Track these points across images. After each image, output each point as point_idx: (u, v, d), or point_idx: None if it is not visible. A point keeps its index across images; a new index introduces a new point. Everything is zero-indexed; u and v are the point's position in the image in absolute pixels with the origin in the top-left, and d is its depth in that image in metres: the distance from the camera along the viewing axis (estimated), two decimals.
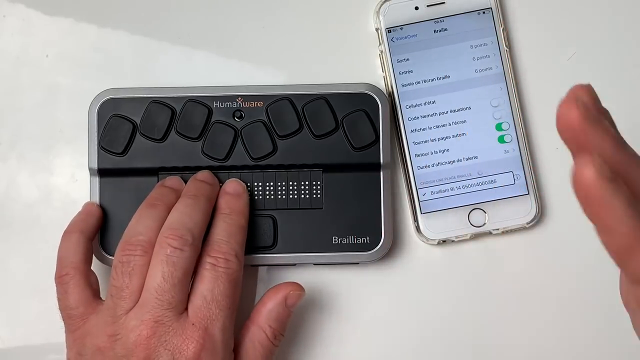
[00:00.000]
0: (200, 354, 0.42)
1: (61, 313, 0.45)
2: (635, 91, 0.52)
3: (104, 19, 0.52)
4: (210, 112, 0.48)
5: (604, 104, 0.52)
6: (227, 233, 0.45)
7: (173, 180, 0.48)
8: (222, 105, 0.49)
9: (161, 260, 0.43)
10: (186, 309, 0.44)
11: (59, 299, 0.46)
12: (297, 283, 0.47)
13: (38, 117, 0.51)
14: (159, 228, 0.45)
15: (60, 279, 0.45)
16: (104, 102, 0.48)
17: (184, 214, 0.45)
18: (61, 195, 0.51)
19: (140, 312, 0.43)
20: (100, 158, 0.48)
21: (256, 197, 0.49)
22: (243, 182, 0.48)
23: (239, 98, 0.49)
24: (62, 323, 0.45)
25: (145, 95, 0.48)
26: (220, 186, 0.48)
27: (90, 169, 0.48)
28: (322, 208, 0.48)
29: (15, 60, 0.52)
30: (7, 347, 0.51)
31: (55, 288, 0.46)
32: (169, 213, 0.46)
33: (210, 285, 0.44)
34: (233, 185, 0.48)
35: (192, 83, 0.50)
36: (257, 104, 0.49)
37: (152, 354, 0.42)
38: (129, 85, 0.49)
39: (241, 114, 0.49)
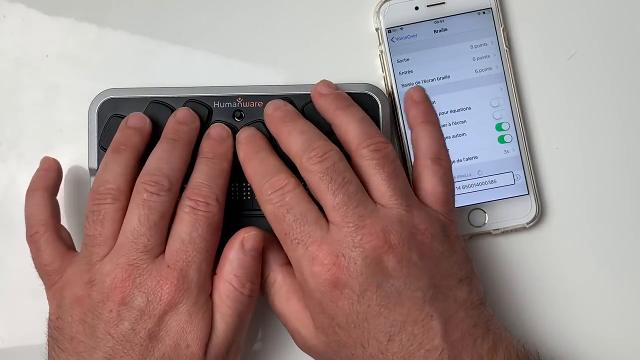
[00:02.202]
0: (174, 294, 0.42)
1: (38, 271, 0.46)
2: (635, 91, 0.52)
3: (104, 19, 0.52)
4: (210, 112, 0.48)
5: (604, 104, 0.52)
6: (208, 177, 0.45)
7: (136, 119, 0.47)
8: (222, 105, 0.49)
9: (137, 205, 0.43)
10: (163, 252, 0.44)
11: (33, 258, 0.46)
12: (249, 227, 0.46)
13: (38, 117, 0.51)
14: (127, 173, 0.45)
15: (31, 237, 0.46)
16: (104, 102, 0.49)
17: (162, 160, 0.45)
18: (61, 195, 0.51)
19: (116, 256, 0.43)
20: (100, 158, 0.48)
21: (256, 197, 0.48)
22: (243, 183, 0.48)
23: (239, 98, 0.49)
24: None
25: (145, 95, 0.48)
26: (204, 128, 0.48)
27: (90, 169, 0.48)
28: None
29: (15, 60, 0.52)
30: (7, 347, 0.51)
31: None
32: (135, 155, 0.46)
33: (189, 228, 0.43)
34: (217, 130, 0.47)
35: (192, 83, 0.50)
36: (257, 104, 0.49)
37: (127, 296, 0.42)
38: (129, 85, 0.49)
39: (241, 114, 0.49)
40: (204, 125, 0.48)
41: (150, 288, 0.42)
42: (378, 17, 0.50)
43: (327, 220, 0.43)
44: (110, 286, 0.42)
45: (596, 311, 0.51)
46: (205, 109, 0.48)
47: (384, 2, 0.50)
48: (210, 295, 0.44)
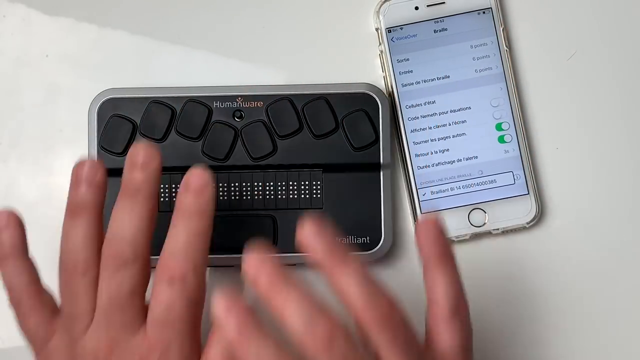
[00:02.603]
0: None
1: (23, 336, 0.44)
2: (635, 91, 0.52)
3: (104, 19, 0.52)
4: (210, 112, 0.48)
5: (604, 104, 0.52)
6: (183, 242, 0.40)
7: (85, 170, 0.41)
8: (222, 105, 0.49)
9: (105, 280, 0.40)
10: (144, 322, 0.41)
11: (17, 322, 0.44)
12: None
13: (38, 117, 0.51)
14: (90, 239, 0.41)
15: (13, 304, 0.43)
16: (104, 102, 0.49)
17: (123, 223, 0.40)
18: (61, 195, 0.51)
19: (96, 332, 0.41)
20: (100, 158, 0.48)
21: (256, 197, 0.48)
22: (243, 183, 0.48)
23: (239, 98, 0.49)
24: None
25: (145, 95, 0.49)
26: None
27: None
28: (322, 208, 0.48)
29: (15, 60, 0.52)
30: (7, 347, 0.51)
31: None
32: (95, 217, 0.41)
33: (166, 305, 0.40)
34: (194, 179, 0.40)
35: (192, 83, 0.50)
36: (257, 104, 0.49)
37: None
38: (129, 85, 0.49)
39: (241, 114, 0.49)
40: (205, 124, 0.48)
41: None
42: (378, 17, 0.50)
43: None
44: None
45: (596, 311, 0.51)
46: (205, 109, 0.48)
47: (384, 2, 0.50)
48: None
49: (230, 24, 0.52)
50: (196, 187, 0.40)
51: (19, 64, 0.52)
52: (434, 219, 0.39)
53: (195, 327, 0.41)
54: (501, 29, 0.50)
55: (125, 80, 0.51)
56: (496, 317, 0.51)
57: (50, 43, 0.52)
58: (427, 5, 0.50)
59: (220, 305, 0.34)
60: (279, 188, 0.49)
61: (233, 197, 0.48)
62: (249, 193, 0.48)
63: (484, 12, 0.51)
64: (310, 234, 0.36)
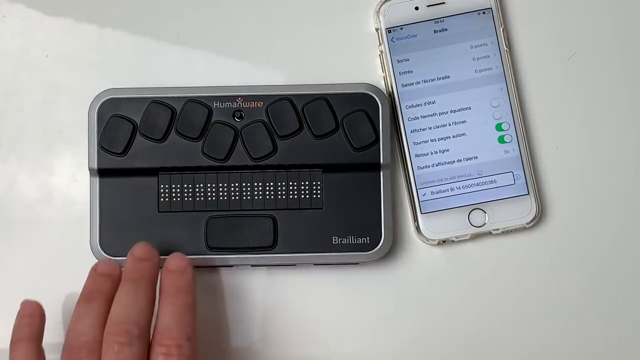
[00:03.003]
0: None
1: None
2: (635, 91, 0.52)
3: (104, 19, 0.52)
4: (210, 112, 0.48)
5: (604, 104, 0.53)
6: (175, 316, 0.44)
7: (106, 266, 0.46)
8: (222, 105, 0.49)
9: (110, 359, 0.42)
10: None
11: None
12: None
13: (38, 117, 0.51)
14: (101, 323, 0.44)
15: None
16: (104, 102, 0.48)
17: (128, 305, 0.43)
18: (61, 195, 0.51)
19: None
20: (100, 158, 0.48)
21: (256, 197, 0.48)
22: (243, 183, 0.48)
23: (239, 98, 0.49)
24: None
25: (145, 95, 0.48)
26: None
27: (90, 169, 0.48)
28: (322, 208, 0.48)
29: (15, 60, 0.52)
30: (7, 347, 0.51)
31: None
32: (108, 304, 0.44)
33: None
34: (176, 262, 0.46)
35: (192, 83, 0.50)
36: (257, 104, 0.49)
37: None
38: (129, 85, 0.49)
39: (241, 114, 0.49)
40: (205, 124, 0.48)
41: None
42: (378, 17, 0.50)
43: None
44: None
45: (596, 311, 0.51)
46: (205, 109, 0.48)
47: (384, 2, 0.50)
48: None
49: (230, 24, 0.52)
50: (179, 268, 0.45)
51: (19, 64, 0.52)
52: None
53: None
54: (501, 29, 0.50)
55: (125, 80, 0.51)
56: (496, 317, 0.51)
57: (50, 43, 0.52)
58: (427, 6, 0.50)
59: None
60: (279, 188, 0.49)
61: (233, 197, 0.48)
62: (249, 193, 0.48)
63: (484, 12, 0.51)
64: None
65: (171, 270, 0.45)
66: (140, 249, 0.46)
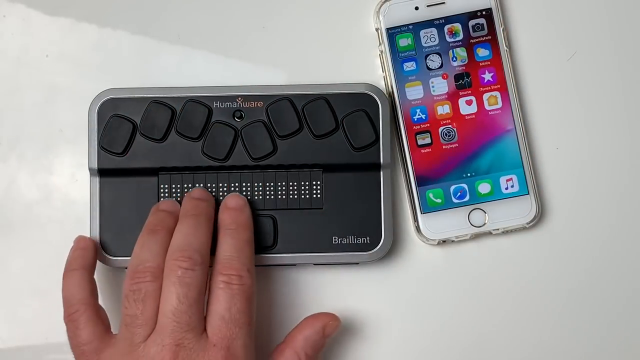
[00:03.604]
0: None
1: (73, 351, 0.45)
2: (635, 91, 0.52)
3: (104, 19, 0.52)
4: (210, 112, 0.48)
5: (604, 104, 0.53)
6: (235, 249, 0.45)
7: (168, 204, 0.47)
8: (222, 105, 0.49)
9: (173, 283, 0.43)
10: (205, 329, 0.43)
11: (70, 337, 0.45)
12: (334, 315, 0.47)
13: (38, 117, 0.51)
14: (164, 253, 0.45)
15: (70, 317, 0.45)
16: (104, 102, 0.48)
17: (189, 235, 0.45)
18: (61, 195, 0.51)
19: (160, 337, 0.42)
20: (100, 158, 0.48)
21: (256, 197, 0.48)
22: (243, 183, 0.48)
23: (239, 98, 0.49)
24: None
25: (145, 95, 0.48)
26: (219, 200, 0.48)
27: (90, 169, 0.48)
28: (322, 208, 0.48)
29: (15, 60, 0.52)
30: (7, 347, 0.51)
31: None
32: (170, 236, 0.45)
33: (227, 304, 0.43)
34: (235, 200, 0.47)
35: (192, 83, 0.50)
36: (257, 104, 0.49)
37: None
38: (129, 85, 0.49)
39: (241, 114, 0.49)
40: (205, 124, 0.48)
41: None
42: (378, 17, 0.50)
43: None
44: None
45: (596, 311, 0.51)
46: (205, 109, 0.48)
47: (384, 2, 0.50)
48: None
49: (230, 24, 0.52)
50: (238, 205, 0.47)
51: (19, 64, 0.52)
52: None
53: (253, 322, 0.45)
54: (501, 29, 0.50)
55: (125, 80, 0.51)
56: (496, 317, 0.51)
57: (50, 43, 0.52)
58: (427, 5, 0.50)
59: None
60: (279, 188, 0.49)
61: None
62: (249, 193, 0.48)
63: (484, 12, 0.51)
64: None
65: (230, 208, 0.47)
66: (197, 191, 0.48)
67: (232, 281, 0.44)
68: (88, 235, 0.48)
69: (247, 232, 0.46)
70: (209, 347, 0.43)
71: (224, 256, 0.45)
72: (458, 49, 0.50)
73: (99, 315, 0.45)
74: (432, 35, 0.50)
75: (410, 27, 0.50)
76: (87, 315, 0.45)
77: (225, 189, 0.48)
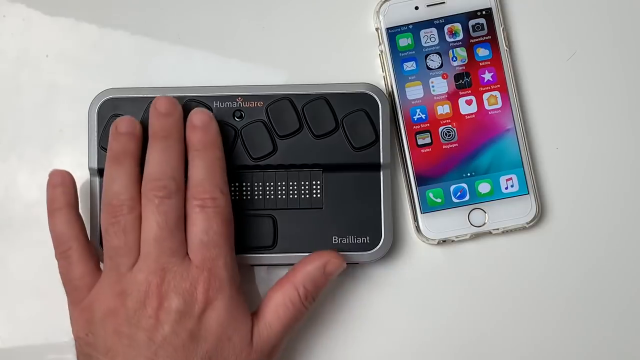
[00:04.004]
0: (209, 293, 0.44)
1: (65, 287, 0.46)
2: (635, 91, 0.52)
3: (104, 19, 0.52)
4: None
5: (604, 104, 0.53)
6: (206, 170, 0.45)
7: (126, 123, 0.46)
8: (222, 105, 0.49)
9: (152, 212, 0.44)
10: (187, 253, 0.44)
11: (62, 274, 0.46)
12: (337, 254, 0.47)
13: (38, 117, 0.51)
14: (135, 181, 0.45)
15: (63, 254, 0.46)
16: (104, 102, 0.48)
17: (162, 162, 0.45)
18: None
19: (145, 263, 0.44)
20: (100, 158, 0.48)
21: (256, 197, 0.48)
22: (243, 183, 0.48)
23: (239, 98, 0.49)
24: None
25: (145, 95, 0.48)
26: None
27: (90, 169, 0.48)
28: (322, 208, 0.48)
29: (15, 60, 0.52)
30: (7, 347, 0.51)
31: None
32: (136, 162, 0.46)
33: (204, 227, 0.44)
34: (199, 116, 0.46)
35: (192, 83, 0.50)
36: (257, 104, 0.49)
37: (164, 301, 0.43)
38: (129, 85, 0.49)
39: (241, 114, 0.49)
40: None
41: (185, 289, 0.43)
42: (378, 17, 0.50)
43: None
44: (145, 293, 0.43)
45: (596, 311, 0.51)
46: (205, 108, 0.48)
47: (384, 2, 0.50)
48: (265, 302, 0.46)
49: (230, 24, 0.52)
50: (203, 122, 0.46)
51: (19, 64, 0.52)
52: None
53: (231, 241, 0.45)
54: (501, 29, 0.50)
55: (125, 80, 0.51)
56: (496, 317, 0.51)
57: (50, 43, 0.52)
58: (427, 5, 0.50)
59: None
60: (279, 188, 0.49)
61: (233, 197, 0.48)
62: (249, 193, 0.48)
63: (484, 12, 0.51)
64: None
65: (196, 126, 0.46)
66: (163, 103, 0.46)
67: (207, 204, 0.44)
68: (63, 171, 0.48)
69: (216, 151, 0.46)
70: (192, 269, 0.44)
71: (196, 180, 0.45)
72: (458, 49, 0.50)
73: (91, 252, 0.46)
74: (432, 35, 0.50)
75: (410, 27, 0.50)
76: (79, 252, 0.46)
77: None
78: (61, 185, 0.47)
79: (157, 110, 0.46)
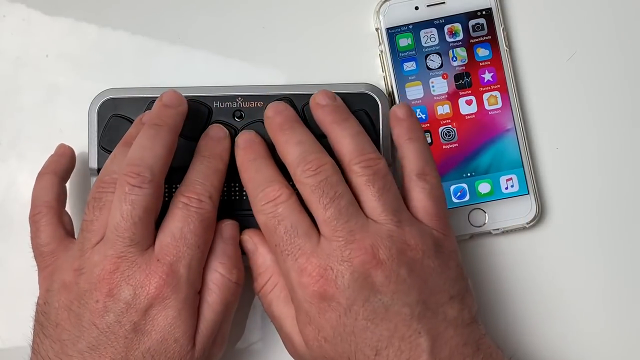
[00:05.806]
0: (162, 289, 0.42)
1: (33, 251, 0.46)
2: (635, 91, 0.52)
3: (104, 19, 0.52)
4: (210, 112, 0.48)
5: (604, 104, 0.53)
6: (203, 175, 0.45)
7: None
8: (222, 105, 0.49)
9: (119, 199, 0.42)
10: (153, 244, 0.43)
11: (31, 238, 0.46)
12: (229, 219, 0.46)
13: (38, 117, 0.51)
14: None
15: (32, 217, 0.46)
16: (104, 102, 0.49)
17: (145, 148, 0.44)
18: None
19: (104, 247, 0.43)
20: (100, 158, 0.48)
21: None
22: (240, 180, 0.48)
23: (239, 98, 0.49)
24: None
25: (145, 95, 0.48)
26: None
27: (90, 169, 0.49)
28: None
29: (15, 60, 0.52)
30: (7, 347, 0.51)
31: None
32: None
33: (180, 224, 0.43)
34: (215, 130, 0.47)
35: (192, 83, 0.50)
36: (257, 104, 0.49)
37: (114, 288, 0.42)
38: (129, 85, 0.49)
39: (241, 114, 0.49)
40: (204, 124, 0.48)
41: (138, 281, 0.42)
42: (378, 17, 0.50)
43: (319, 233, 0.43)
44: (98, 277, 0.42)
45: (596, 311, 0.51)
46: (205, 109, 0.48)
47: (384, 2, 0.50)
48: (199, 292, 0.44)
49: (230, 24, 0.52)
50: (218, 136, 0.47)
51: (19, 64, 0.52)
52: (401, 105, 0.46)
53: (204, 248, 0.44)
54: (501, 29, 0.50)
55: (125, 80, 0.51)
56: (496, 317, 0.51)
57: (50, 43, 0.52)
58: (427, 5, 0.50)
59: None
60: None
61: (233, 197, 0.48)
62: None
63: (484, 12, 0.51)
64: (322, 96, 0.46)
65: (209, 137, 0.47)
66: (168, 96, 0.46)
67: (192, 203, 0.44)
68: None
69: (220, 163, 0.46)
70: (152, 261, 0.42)
71: (190, 179, 0.45)
72: (458, 49, 0.50)
73: (61, 220, 0.46)
74: (432, 35, 0.50)
75: (410, 27, 0.50)
76: (48, 218, 0.46)
77: (225, 189, 0.48)
78: (56, 154, 0.48)
79: (161, 101, 0.46)
